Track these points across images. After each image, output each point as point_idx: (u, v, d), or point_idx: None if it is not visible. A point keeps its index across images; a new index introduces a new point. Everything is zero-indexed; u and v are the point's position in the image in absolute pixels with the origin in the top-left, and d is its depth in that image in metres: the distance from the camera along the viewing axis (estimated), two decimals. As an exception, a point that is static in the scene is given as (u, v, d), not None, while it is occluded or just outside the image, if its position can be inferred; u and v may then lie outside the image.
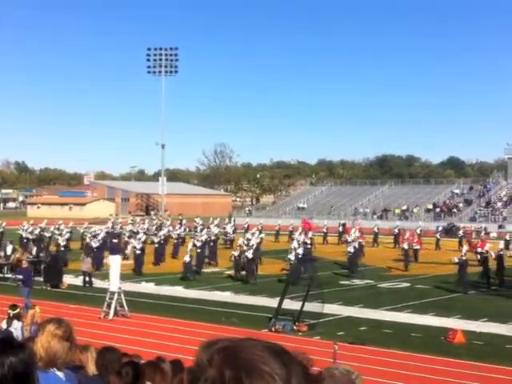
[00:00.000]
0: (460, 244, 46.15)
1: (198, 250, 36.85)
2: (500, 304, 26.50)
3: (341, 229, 55.33)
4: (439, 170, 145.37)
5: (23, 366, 2.78)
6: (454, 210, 75.92)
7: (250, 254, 33.13)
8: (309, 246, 39.98)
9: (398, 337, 20.51)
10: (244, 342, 1.49)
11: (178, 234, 45.61)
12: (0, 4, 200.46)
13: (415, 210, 77.94)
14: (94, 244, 38.75)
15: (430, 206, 78.96)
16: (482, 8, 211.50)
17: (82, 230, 47.23)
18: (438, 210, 77.23)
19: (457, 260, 30.84)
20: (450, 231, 60.41)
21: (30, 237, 45.41)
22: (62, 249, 40.81)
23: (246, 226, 54.17)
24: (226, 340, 1.51)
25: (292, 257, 34.12)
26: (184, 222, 53.37)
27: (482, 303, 26.78)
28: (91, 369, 6.82)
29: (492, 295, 28.88)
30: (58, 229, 46.99)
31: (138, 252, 36.19)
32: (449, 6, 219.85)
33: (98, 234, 41.96)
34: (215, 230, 45.53)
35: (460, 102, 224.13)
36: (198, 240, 38.26)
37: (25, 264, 25.41)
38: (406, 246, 38.36)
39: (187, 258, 33.68)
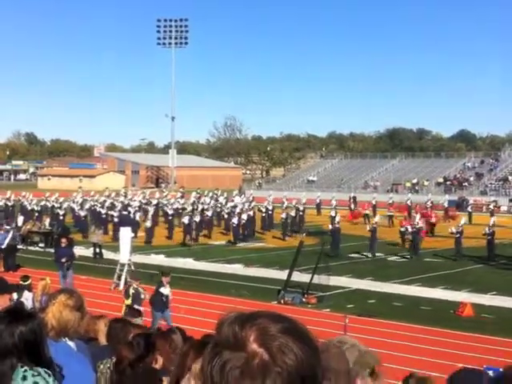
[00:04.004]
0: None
1: (169, 218, 40.08)
2: (510, 278, 26.48)
3: (352, 206, 54.51)
4: (450, 144, 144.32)
5: (33, 335, 2.80)
6: (465, 183, 75.58)
7: (186, 220, 36.54)
8: (251, 213, 41.71)
9: (407, 310, 20.58)
10: (295, 324, 1.44)
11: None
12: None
13: (426, 184, 77.67)
14: (82, 213, 41.24)
15: (441, 180, 78.64)
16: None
17: (92, 202, 47.24)
18: (448, 183, 76.92)
19: (368, 229, 33.44)
20: (460, 205, 60.26)
21: (36, 208, 45.35)
22: (61, 218, 41.21)
23: (271, 198, 51.84)
24: (272, 317, 1.43)
25: (235, 220, 37.60)
26: (194, 195, 53.20)
27: (492, 277, 26.80)
28: (103, 340, 6.87)
29: (502, 269, 28.88)
30: (57, 201, 46.54)
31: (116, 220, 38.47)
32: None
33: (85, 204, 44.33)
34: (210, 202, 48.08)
35: (471, 75, 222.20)
36: (169, 209, 41.70)
37: (64, 242, 23.74)
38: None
39: (148, 224, 36.66)
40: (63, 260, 22.71)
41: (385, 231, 39.22)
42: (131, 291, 17.03)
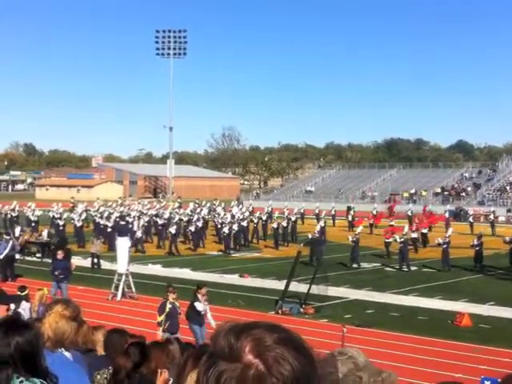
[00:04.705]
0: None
1: (159, 228, 40.74)
2: (507, 288, 26.47)
3: (350, 217, 54.18)
4: (448, 154, 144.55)
5: (29, 346, 2.80)
6: (463, 193, 75.66)
7: (173, 230, 37.12)
8: (245, 224, 41.85)
9: (405, 320, 20.55)
10: (290, 334, 1.43)
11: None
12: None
13: (424, 194, 77.75)
14: (78, 224, 41.20)
15: (439, 190, 78.71)
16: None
17: (92, 212, 47.32)
18: (446, 193, 77.00)
19: (350, 239, 33.39)
20: (458, 215, 60.35)
21: (33, 218, 45.48)
22: (61, 228, 41.60)
23: (269, 209, 51.45)
24: (265, 327, 1.43)
25: (226, 230, 37.99)
26: (192, 205, 53.38)
27: (490, 287, 26.79)
28: (101, 350, 6.86)
29: (499, 279, 28.89)
30: (56, 212, 46.44)
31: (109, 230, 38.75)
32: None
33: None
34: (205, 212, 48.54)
35: (469, 86, 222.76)
36: (161, 219, 42.07)
37: (60, 254, 22.89)
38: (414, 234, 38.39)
39: (139, 234, 37.12)
40: (56, 273, 22.23)
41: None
42: (168, 306, 15.64)
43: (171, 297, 15.85)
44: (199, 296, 16.23)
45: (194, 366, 3.84)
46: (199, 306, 16.10)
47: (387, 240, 35.36)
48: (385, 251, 35.15)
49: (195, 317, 16.03)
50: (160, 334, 15.18)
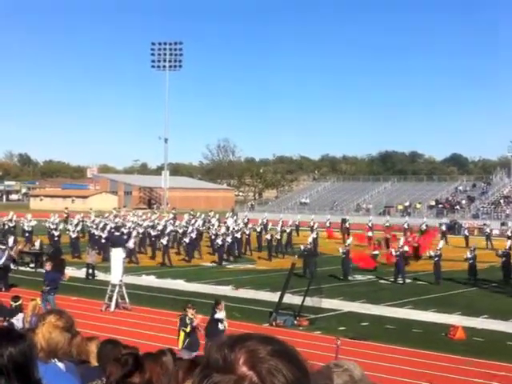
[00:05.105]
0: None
1: (153, 239, 41.25)
2: (501, 301, 26.49)
3: (347, 225, 55.21)
4: (442, 167, 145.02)
5: (23, 357, 2.78)
6: (457, 206, 75.79)
7: (164, 241, 37.41)
8: (238, 235, 41.81)
9: (399, 332, 20.51)
10: (284, 346, 1.44)
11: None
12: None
13: (418, 207, 77.82)
14: (73, 234, 40.91)
15: (433, 203, 78.82)
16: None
17: (88, 223, 47.18)
18: (440, 206, 77.11)
19: (341, 251, 33.32)
20: (452, 228, 60.40)
21: (27, 229, 45.43)
22: (56, 239, 41.63)
23: (264, 220, 52.34)
24: (256, 339, 1.43)
25: (219, 241, 38.29)
26: (187, 217, 53.28)
27: (483, 300, 26.78)
28: (95, 362, 6.83)
29: (493, 292, 28.91)
30: (52, 222, 46.46)
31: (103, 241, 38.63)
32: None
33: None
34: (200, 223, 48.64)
35: (464, 99, 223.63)
36: (154, 230, 42.50)
37: (48, 266, 22.87)
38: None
39: (131, 245, 36.42)
40: (45, 284, 21.91)
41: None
42: (188, 322, 15.63)
43: (190, 312, 15.82)
44: (218, 311, 16.47)
45: (185, 377, 3.84)
46: (220, 314, 16.37)
47: (374, 252, 35.60)
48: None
49: (214, 333, 15.89)
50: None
